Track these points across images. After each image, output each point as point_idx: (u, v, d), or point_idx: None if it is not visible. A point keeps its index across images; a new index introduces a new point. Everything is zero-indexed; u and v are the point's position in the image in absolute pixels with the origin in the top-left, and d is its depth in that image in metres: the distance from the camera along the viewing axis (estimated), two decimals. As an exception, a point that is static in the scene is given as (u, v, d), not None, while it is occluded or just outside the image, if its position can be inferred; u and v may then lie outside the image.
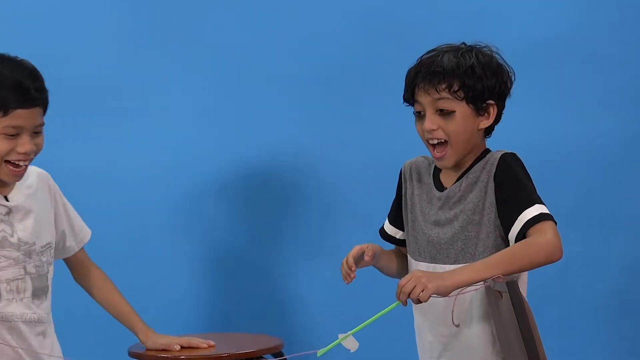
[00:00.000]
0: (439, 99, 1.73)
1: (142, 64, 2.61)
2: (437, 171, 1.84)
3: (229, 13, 2.66)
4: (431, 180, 1.84)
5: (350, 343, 1.72)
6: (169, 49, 2.62)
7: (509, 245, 1.72)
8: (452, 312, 1.69)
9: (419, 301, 1.61)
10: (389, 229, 1.95)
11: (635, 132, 2.70)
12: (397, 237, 1.93)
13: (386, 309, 1.66)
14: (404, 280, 1.63)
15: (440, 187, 1.82)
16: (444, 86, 1.73)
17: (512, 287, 1.54)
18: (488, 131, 1.82)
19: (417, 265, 1.79)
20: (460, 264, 1.74)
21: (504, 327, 1.65)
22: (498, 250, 1.72)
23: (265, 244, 2.67)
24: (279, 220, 2.69)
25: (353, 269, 1.83)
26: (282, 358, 2.05)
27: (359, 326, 1.69)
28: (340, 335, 1.71)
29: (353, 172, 2.69)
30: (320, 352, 1.72)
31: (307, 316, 2.67)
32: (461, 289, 1.64)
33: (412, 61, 1.81)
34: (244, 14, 2.65)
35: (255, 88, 2.67)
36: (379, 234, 1.97)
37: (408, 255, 1.87)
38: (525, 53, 2.59)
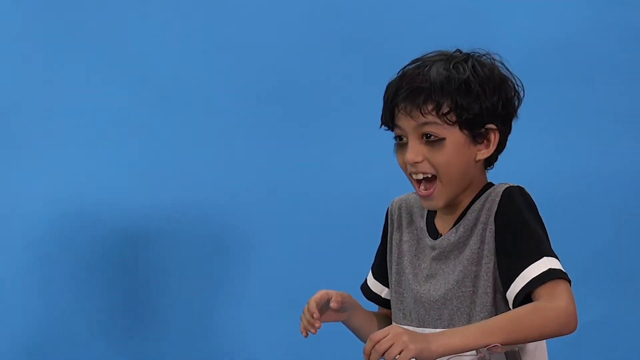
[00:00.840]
0: (425, 123, 1.52)
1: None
2: (431, 213, 1.66)
3: (154, 16, 2.48)
4: (424, 225, 1.64)
5: None
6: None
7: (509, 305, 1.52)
8: None
9: None
10: (373, 284, 1.77)
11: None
12: (383, 295, 1.75)
13: None
14: (379, 334, 1.41)
15: (434, 233, 1.62)
16: (430, 107, 1.51)
17: (513, 359, 1.42)
18: (489, 161, 1.62)
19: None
20: (454, 327, 1.56)
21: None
22: (498, 312, 1.52)
23: (205, 301, 2.49)
24: (222, 275, 2.47)
25: (316, 316, 1.62)
26: None
27: None
28: None
29: (317, 211, 2.48)
30: None
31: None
32: (449, 357, 1.43)
33: (391, 73, 1.61)
34: (171, 18, 2.47)
35: (182, 110, 2.43)
36: (361, 291, 1.79)
37: (392, 317, 1.69)
38: (529, 60, 2.48)
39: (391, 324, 1.68)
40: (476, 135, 1.54)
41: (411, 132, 1.54)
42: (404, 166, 1.58)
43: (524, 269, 1.48)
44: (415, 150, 1.54)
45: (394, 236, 1.69)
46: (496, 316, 1.47)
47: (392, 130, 1.59)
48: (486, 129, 1.54)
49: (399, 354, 1.39)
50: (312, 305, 1.61)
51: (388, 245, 1.70)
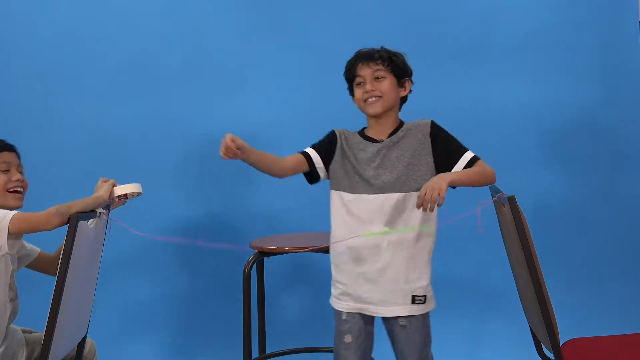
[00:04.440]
0: (377, 70, 2.04)
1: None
2: (362, 133, 2.08)
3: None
4: (361, 140, 2.07)
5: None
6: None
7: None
8: (478, 221, 1.87)
9: (438, 204, 1.81)
10: (314, 156, 2.09)
11: (559, 97, 3.07)
12: (316, 165, 2.09)
13: (414, 228, 1.94)
14: (421, 193, 1.82)
15: (373, 140, 2.05)
16: (380, 61, 2.03)
17: (512, 200, 1.82)
18: (403, 101, 2.10)
19: (367, 198, 2.01)
20: (403, 192, 1.98)
21: (507, 226, 1.94)
22: (428, 180, 1.92)
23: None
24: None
25: (233, 144, 1.86)
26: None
27: (392, 230, 1.94)
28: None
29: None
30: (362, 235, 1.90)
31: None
32: (480, 203, 1.87)
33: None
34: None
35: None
36: (305, 152, 2.09)
37: (360, 194, 2.03)
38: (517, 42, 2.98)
39: (284, 165, 2.01)
40: (399, 82, 2.04)
41: (368, 76, 2.02)
42: (361, 97, 2.01)
43: (462, 155, 1.96)
44: (371, 84, 2.02)
45: (341, 146, 2.05)
46: (469, 168, 1.94)
47: (354, 78, 2.03)
48: (404, 79, 2.05)
49: (438, 194, 1.78)
50: (229, 138, 1.84)
51: (338, 151, 2.05)
